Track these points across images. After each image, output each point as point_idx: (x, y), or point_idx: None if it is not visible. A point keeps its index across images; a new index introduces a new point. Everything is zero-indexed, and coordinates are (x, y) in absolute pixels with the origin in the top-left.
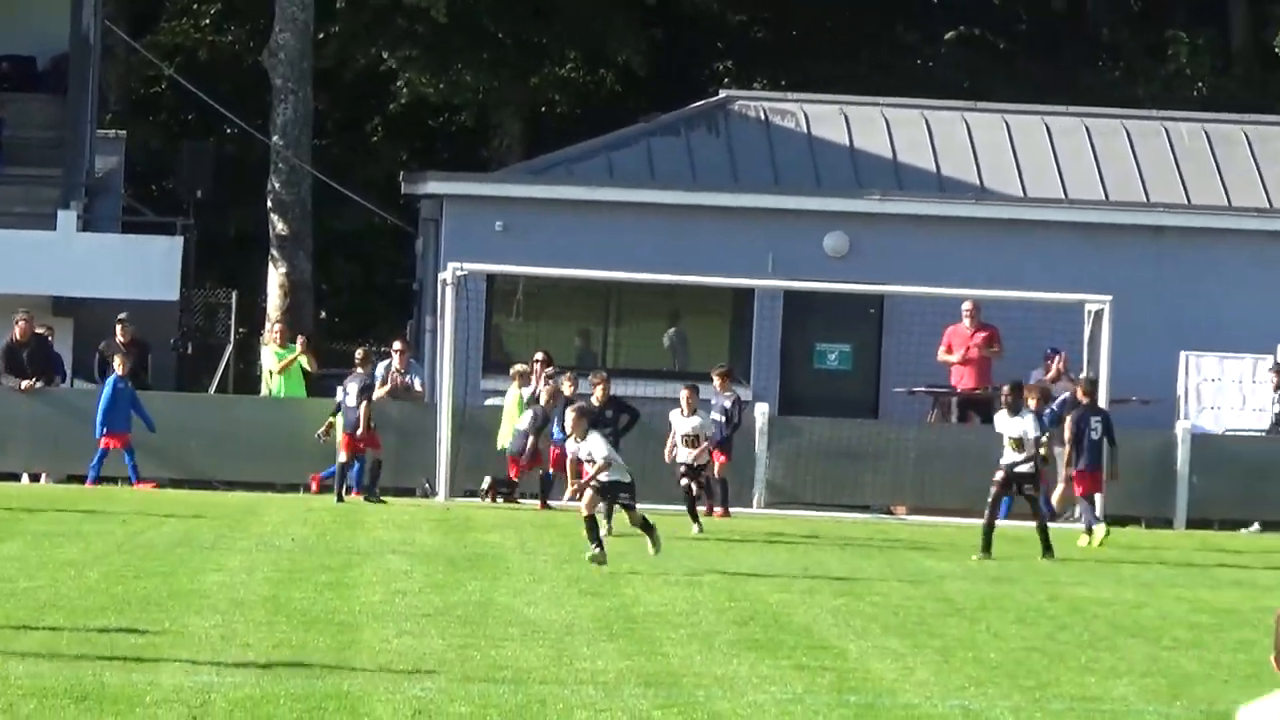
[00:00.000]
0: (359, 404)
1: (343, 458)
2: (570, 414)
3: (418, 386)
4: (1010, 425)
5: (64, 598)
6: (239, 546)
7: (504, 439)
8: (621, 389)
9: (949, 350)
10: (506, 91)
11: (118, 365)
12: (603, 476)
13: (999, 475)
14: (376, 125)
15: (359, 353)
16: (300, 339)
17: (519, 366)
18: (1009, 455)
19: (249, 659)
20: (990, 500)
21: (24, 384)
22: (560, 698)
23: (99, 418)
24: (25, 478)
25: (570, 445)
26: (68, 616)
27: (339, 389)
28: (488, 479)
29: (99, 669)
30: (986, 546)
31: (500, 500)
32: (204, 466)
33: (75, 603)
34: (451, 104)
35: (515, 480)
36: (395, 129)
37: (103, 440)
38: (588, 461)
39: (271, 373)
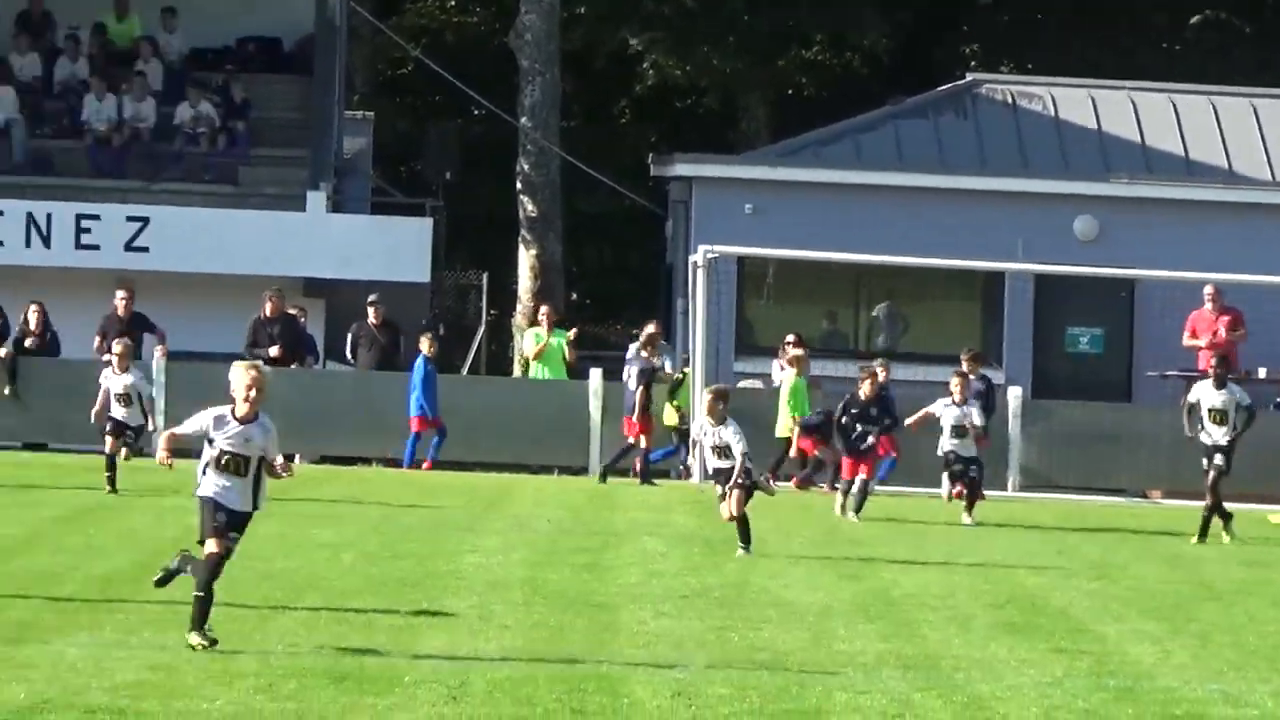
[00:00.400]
0: (637, 387)
1: (631, 440)
2: (708, 395)
3: (668, 369)
4: (1214, 397)
5: (321, 579)
6: (494, 528)
7: (783, 427)
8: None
9: (1193, 335)
10: (753, 74)
11: (425, 347)
12: (721, 463)
13: (1215, 460)
14: (624, 108)
15: (643, 335)
16: (573, 331)
17: (796, 351)
18: (1212, 431)
19: (507, 640)
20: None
21: (273, 350)
22: (819, 680)
23: (413, 400)
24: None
25: (699, 429)
26: (325, 597)
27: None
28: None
29: (357, 649)
30: (1206, 532)
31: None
32: (458, 449)
33: (332, 584)
34: (698, 86)
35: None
36: (643, 111)
37: (416, 422)
38: (715, 449)
39: (528, 360)
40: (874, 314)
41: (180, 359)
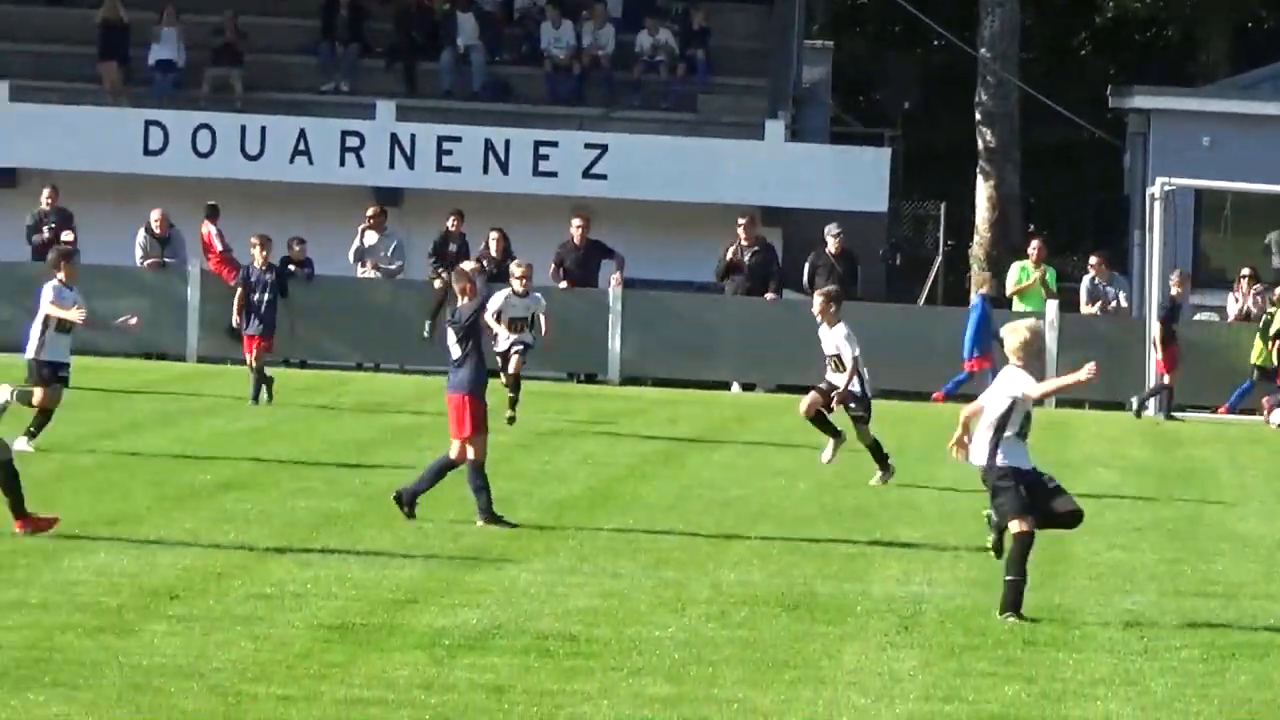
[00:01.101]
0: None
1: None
2: (818, 296)
3: (1122, 301)
4: None
5: (774, 507)
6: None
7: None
8: None
9: None
10: (1214, 5)
11: (984, 285)
12: (838, 380)
13: None
14: (1083, 40)
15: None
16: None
17: None
18: None
19: (960, 571)
20: None
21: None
22: (1272, 614)
23: (968, 339)
24: (735, 387)
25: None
26: (778, 526)
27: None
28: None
29: (809, 578)
30: None
31: None
32: (922, 379)
33: (786, 512)
34: (1158, 19)
35: None
36: (1102, 44)
37: (970, 364)
38: (831, 356)
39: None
40: (1268, 242)
41: (637, 286)
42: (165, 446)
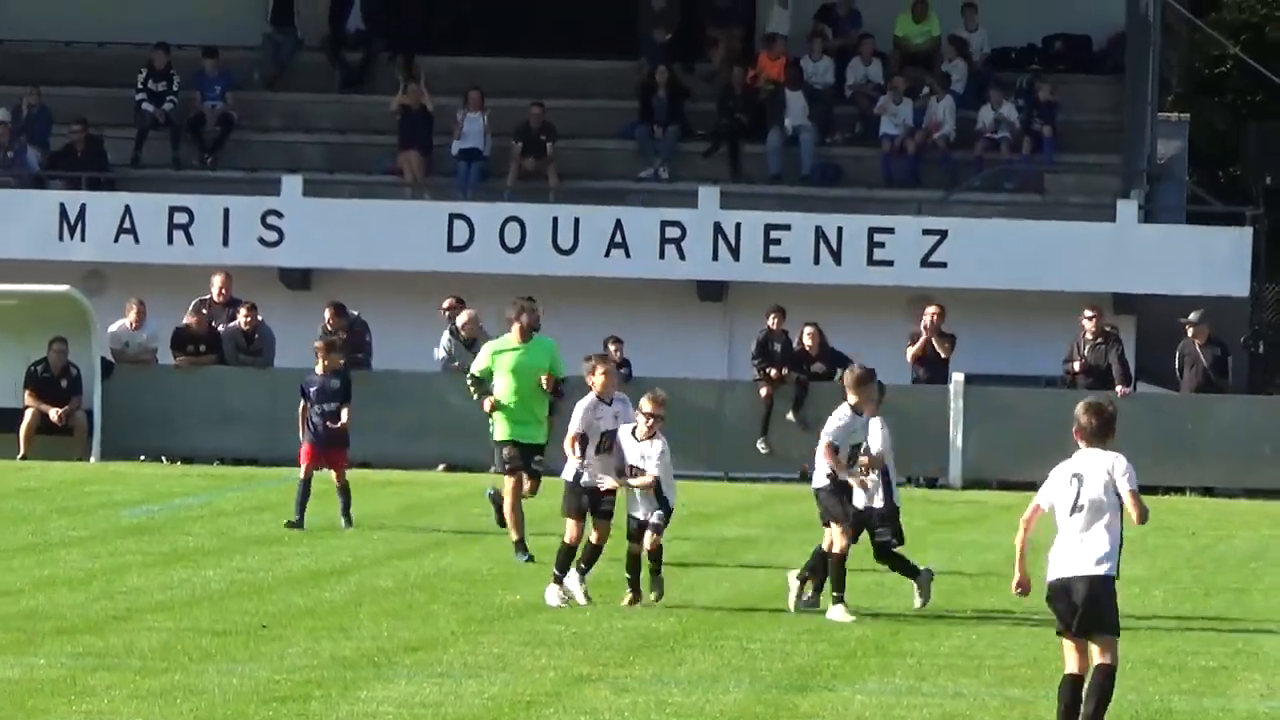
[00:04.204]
0: None
1: None
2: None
3: None
4: None
5: (1126, 618)
6: None
7: None
8: None
9: None
10: None
11: None
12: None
13: None
14: None
15: None
16: None
17: None
18: None
19: None
20: None
21: None
22: None
23: None
24: None
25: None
26: (1131, 638)
27: None
28: None
29: (1165, 694)
30: None
31: None
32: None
33: (1139, 623)
34: None
35: None
36: None
37: None
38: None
39: None
40: None
41: (979, 382)
42: (470, 565)
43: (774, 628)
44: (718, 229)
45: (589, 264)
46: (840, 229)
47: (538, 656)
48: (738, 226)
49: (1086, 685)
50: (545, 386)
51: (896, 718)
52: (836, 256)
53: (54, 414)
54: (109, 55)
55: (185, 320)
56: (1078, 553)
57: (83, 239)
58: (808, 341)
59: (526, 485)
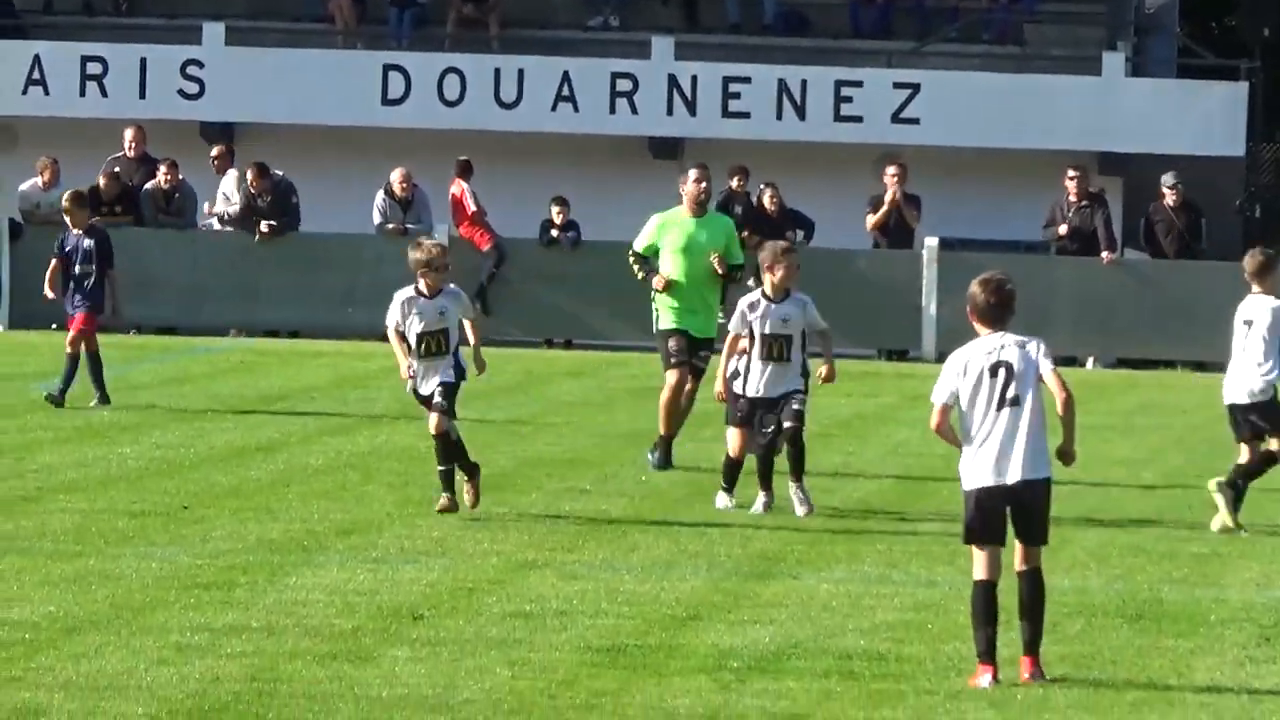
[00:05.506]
0: None
1: None
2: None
3: None
4: None
5: (1114, 502)
6: None
7: None
8: None
9: None
10: None
11: None
12: None
13: None
14: None
15: None
16: None
17: None
18: None
19: None
20: None
21: None
22: None
23: None
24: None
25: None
26: (1119, 524)
27: None
28: None
29: (1154, 583)
30: None
31: None
32: None
33: (1127, 507)
34: None
35: None
36: None
37: None
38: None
39: None
40: None
41: (954, 247)
42: (407, 443)
43: (731, 514)
44: (672, 81)
45: (534, 119)
46: (804, 82)
47: (479, 540)
48: (694, 79)
49: (1019, 598)
50: (718, 269)
51: (866, 607)
52: (800, 111)
53: None
54: None
55: (98, 179)
56: (1009, 455)
57: None
58: (768, 205)
59: (689, 384)
